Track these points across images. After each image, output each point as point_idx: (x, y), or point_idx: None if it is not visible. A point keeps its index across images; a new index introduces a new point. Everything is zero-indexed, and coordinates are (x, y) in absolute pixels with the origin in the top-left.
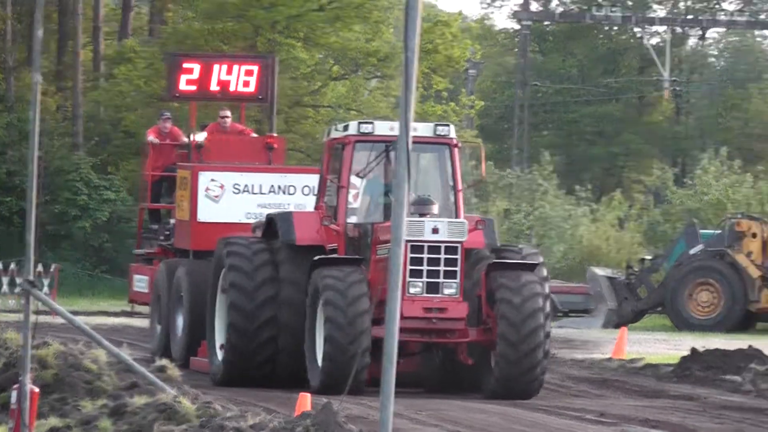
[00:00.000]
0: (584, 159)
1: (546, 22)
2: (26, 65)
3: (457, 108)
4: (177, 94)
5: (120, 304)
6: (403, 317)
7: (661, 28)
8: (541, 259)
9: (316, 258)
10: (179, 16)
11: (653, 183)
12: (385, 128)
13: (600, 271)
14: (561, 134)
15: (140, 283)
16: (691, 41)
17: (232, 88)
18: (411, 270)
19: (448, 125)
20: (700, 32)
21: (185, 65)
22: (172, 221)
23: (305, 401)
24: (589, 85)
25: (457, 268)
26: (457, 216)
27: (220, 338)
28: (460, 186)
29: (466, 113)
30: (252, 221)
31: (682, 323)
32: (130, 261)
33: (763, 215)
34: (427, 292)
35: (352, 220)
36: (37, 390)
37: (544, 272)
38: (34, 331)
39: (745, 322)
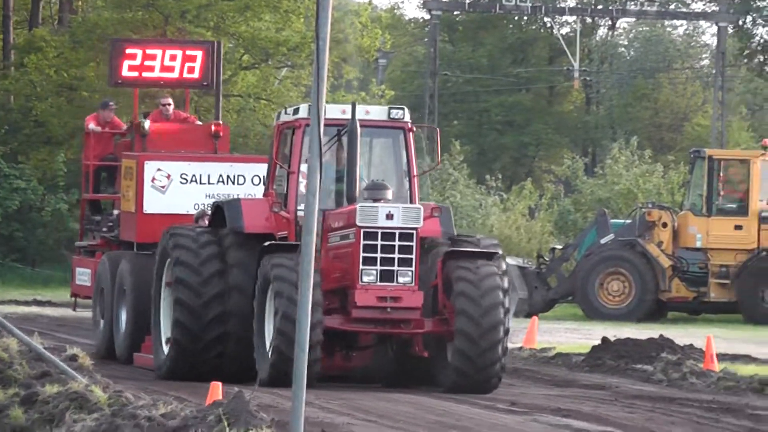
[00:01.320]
0: (494, 149)
1: (456, 12)
2: None
3: (367, 98)
4: (119, 81)
5: (30, 293)
6: (356, 306)
7: (571, 18)
8: (500, 250)
9: (266, 244)
10: (89, 5)
11: (563, 173)
12: (336, 111)
13: (511, 261)
14: (471, 124)
15: (83, 276)
16: (601, 31)
17: (175, 75)
18: (364, 258)
19: (402, 108)
20: (610, 22)
21: (128, 51)
22: (116, 212)
23: (216, 390)
24: (499, 75)
25: (413, 256)
26: (411, 202)
27: (165, 333)
28: (414, 171)
29: (376, 103)
30: None
31: (593, 312)
32: (41, 250)
33: (674, 205)
34: (380, 281)
35: (303, 206)
36: None
37: (503, 264)
38: None
39: (655, 312)
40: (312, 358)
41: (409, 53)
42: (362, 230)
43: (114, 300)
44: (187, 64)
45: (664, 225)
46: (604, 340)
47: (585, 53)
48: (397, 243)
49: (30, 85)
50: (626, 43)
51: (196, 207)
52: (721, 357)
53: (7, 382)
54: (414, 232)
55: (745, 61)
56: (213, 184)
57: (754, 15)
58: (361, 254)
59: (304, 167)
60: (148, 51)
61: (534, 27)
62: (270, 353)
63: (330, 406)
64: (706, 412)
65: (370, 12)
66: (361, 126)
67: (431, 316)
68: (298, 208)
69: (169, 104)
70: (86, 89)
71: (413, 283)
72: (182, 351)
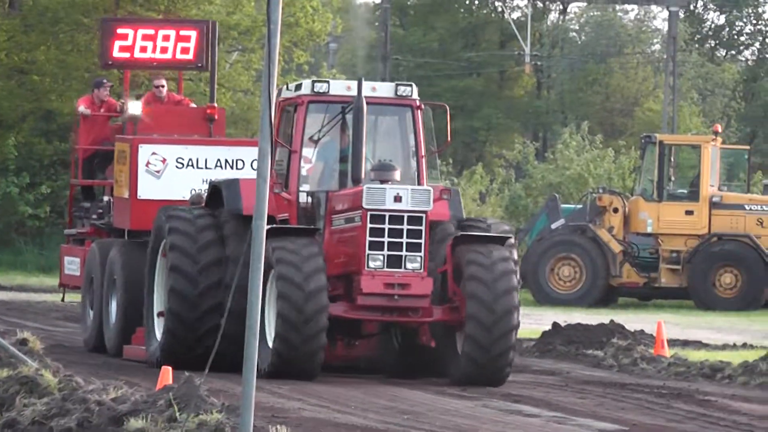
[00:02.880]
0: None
1: None
2: None
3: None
4: (110, 62)
5: None
6: (362, 293)
7: (522, 3)
8: (511, 234)
9: (267, 228)
10: None
11: (514, 157)
12: (341, 88)
13: None
14: None
15: (71, 265)
16: (552, 16)
17: (168, 55)
18: (370, 242)
19: (410, 85)
20: (561, 7)
21: (119, 31)
22: (106, 198)
23: (167, 375)
24: (450, 60)
25: (422, 241)
26: (419, 184)
27: (158, 309)
28: (423, 151)
29: None
30: None
31: (544, 298)
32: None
33: (625, 190)
34: (388, 267)
35: (305, 188)
36: None
37: (515, 252)
38: None
39: (606, 297)
40: (315, 346)
41: (361, 38)
42: (369, 213)
43: (104, 290)
44: (180, 45)
45: (615, 210)
46: (555, 325)
47: (536, 38)
48: (405, 227)
49: None
50: (577, 27)
51: (193, 192)
52: (672, 342)
53: None
54: (423, 215)
55: (696, 46)
56: (210, 168)
57: (705, 0)
58: (368, 238)
59: (307, 150)
60: (141, 31)
61: (485, 11)
62: (272, 341)
63: (281, 391)
64: (656, 398)
65: None
66: (366, 103)
67: (440, 304)
68: (300, 189)
69: (163, 86)
70: (37, 73)
71: (422, 269)
72: (176, 342)
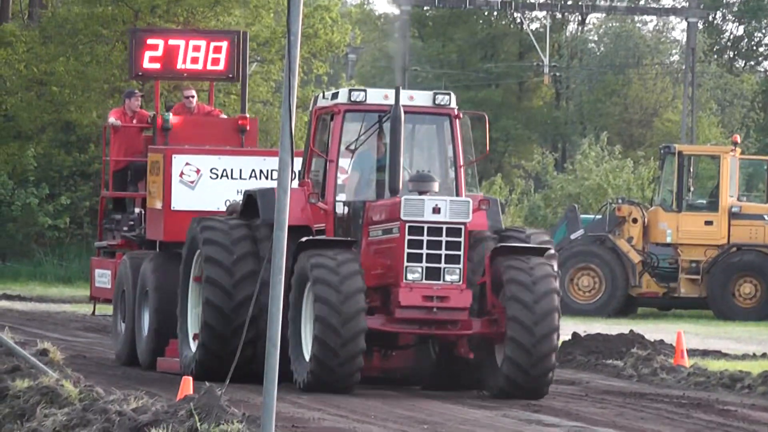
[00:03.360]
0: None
1: (426, 7)
2: None
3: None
4: (140, 73)
5: (0, 288)
6: (400, 306)
7: (541, 14)
8: (551, 245)
9: (303, 239)
10: (59, 0)
11: (533, 168)
12: (378, 96)
13: None
14: None
15: (102, 278)
16: (571, 27)
17: (199, 66)
18: (409, 254)
19: (448, 93)
20: (580, 18)
21: (149, 41)
22: (137, 210)
23: (188, 385)
24: (469, 71)
25: (461, 252)
26: (458, 194)
27: (192, 329)
28: (461, 161)
29: None
30: None
31: (564, 308)
32: (11, 245)
33: (644, 200)
34: (426, 279)
35: (341, 198)
36: None
37: (555, 263)
38: None
39: (626, 307)
40: (352, 368)
41: (378, 48)
42: (407, 224)
43: (136, 302)
44: (211, 56)
45: (635, 220)
46: (575, 335)
47: (555, 49)
48: (444, 238)
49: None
50: (596, 38)
51: (227, 204)
52: (692, 352)
53: None
54: (462, 227)
55: (715, 57)
56: (245, 179)
57: (724, 11)
58: (406, 250)
59: (343, 160)
60: (171, 42)
61: (504, 22)
62: (309, 360)
63: (301, 401)
64: (676, 408)
65: (339, 7)
66: (404, 112)
67: (479, 316)
68: (337, 199)
69: (193, 96)
70: (56, 84)
71: (461, 282)
72: (210, 355)
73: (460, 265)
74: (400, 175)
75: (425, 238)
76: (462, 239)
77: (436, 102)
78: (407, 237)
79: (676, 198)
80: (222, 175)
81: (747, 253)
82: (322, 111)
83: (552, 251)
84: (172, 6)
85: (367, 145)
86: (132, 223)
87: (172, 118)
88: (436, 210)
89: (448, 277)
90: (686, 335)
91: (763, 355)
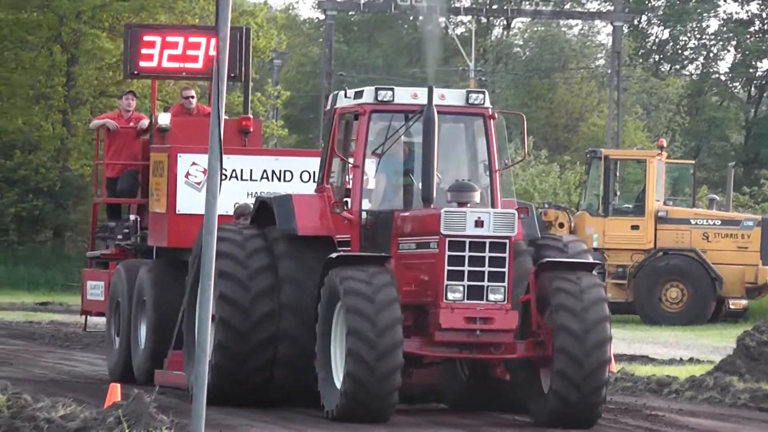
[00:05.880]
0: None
1: (351, 12)
2: None
3: (263, 98)
4: (136, 72)
5: None
6: (440, 329)
7: (466, 18)
8: (590, 253)
9: (333, 255)
10: None
11: None
12: (406, 96)
13: None
14: None
15: (95, 289)
16: (497, 31)
17: (199, 65)
18: (449, 271)
19: (483, 92)
20: (506, 22)
21: (146, 38)
22: (132, 217)
23: (116, 392)
24: (395, 75)
25: (505, 269)
26: (493, 203)
27: None
28: (497, 165)
29: (272, 103)
30: None
31: None
32: None
33: (570, 205)
34: (468, 298)
35: (366, 206)
36: None
37: (599, 279)
38: None
39: None
40: (390, 387)
41: (304, 53)
42: (447, 239)
43: (132, 313)
44: (211, 53)
45: (561, 225)
46: None
47: (480, 53)
48: (487, 254)
49: None
50: (521, 43)
51: (235, 206)
52: (619, 357)
53: None
54: (507, 241)
55: (641, 60)
56: (256, 180)
57: (649, 14)
58: (446, 267)
59: (369, 163)
60: (168, 38)
61: (429, 27)
62: (342, 381)
63: (229, 408)
64: (603, 413)
65: (265, 12)
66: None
67: (521, 337)
68: (363, 208)
69: (192, 97)
70: None
71: (506, 301)
72: (224, 378)
73: (505, 283)
74: (435, 184)
75: (467, 253)
76: (507, 255)
77: (470, 101)
78: (447, 253)
79: (603, 202)
80: (231, 176)
81: (673, 258)
82: (345, 111)
83: (599, 264)
84: (97, 12)
85: (394, 149)
86: (127, 230)
87: (171, 119)
88: (479, 223)
89: (491, 297)
90: (613, 340)
91: (690, 360)
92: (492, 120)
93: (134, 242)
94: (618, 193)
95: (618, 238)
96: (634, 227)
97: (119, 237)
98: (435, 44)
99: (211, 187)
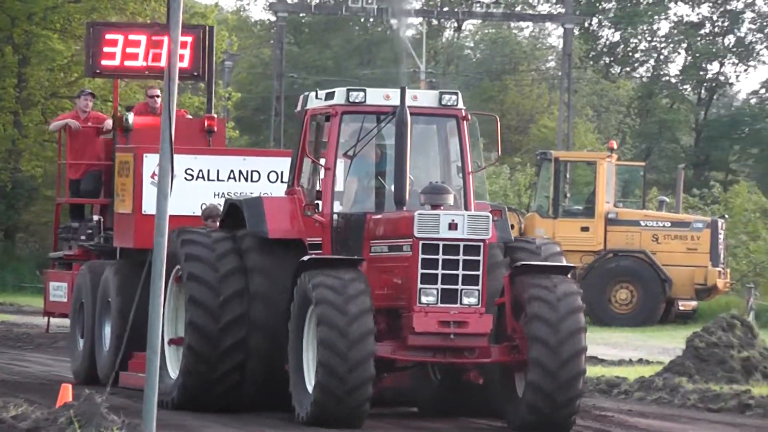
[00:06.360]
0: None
1: (302, 14)
2: None
3: (213, 99)
4: (98, 71)
5: None
6: (413, 332)
7: (417, 20)
8: (563, 256)
9: (305, 258)
10: None
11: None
12: (378, 97)
13: None
14: None
15: (58, 291)
16: (447, 33)
17: (161, 63)
18: (423, 275)
19: (456, 93)
20: (456, 24)
21: (107, 36)
22: (96, 218)
23: (67, 392)
24: (346, 77)
25: (479, 272)
26: (466, 205)
27: (169, 350)
28: (470, 167)
29: (223, 105)
30: None
31: None
32: None
33: (520, 207)
34: (442, 302)
35: (337, 208)
36: None
37: (575, 285)
38: None
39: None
40: (361, 398)
41: (255, 55)
42: (421, 242)
43: (96, 314)
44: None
45: (511, 227)
46: None
47: (431, 55)
48: (461, 257)
49: None
50: (472, 45)
51: (202, 207)
52: None
53: None
54: (481, 244)
55: (591, 63)
56: (223, 180)
57: (600, 17)
58: (420, 270)
59: (341, 165)
60: (131, 37)
61: (380, 29)
62: (313, 388)
63: (198, 412)
64: None
65: (216, 14)
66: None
67: (496, 341)
68: (335, 211)
69: (157, 96)
70: None
71: (480, 305)
72: (195, 381)
73: (479, 287)
74: (407, 186)
75: (441, 257)
76: (481, 258)
77: (442, 102)
78: (421, 256)
79: (553, 204)
80: (198, 176)
81: (623, 259)
82: (316, 112)
83: (575, 268)
84: (49, 13)
85: (366, 151)
86: (90, 231)
87: (134, 118)
88: (453, 226)
89: (465, 300)
90: None
91: (640, 361)
92: (465, 121)
93: (98, 243)
94: (568, 194)
95: (568, 240)
96: (584, 229)
97: (82, 238)
98: (407, 45)
99: (162, 188)
